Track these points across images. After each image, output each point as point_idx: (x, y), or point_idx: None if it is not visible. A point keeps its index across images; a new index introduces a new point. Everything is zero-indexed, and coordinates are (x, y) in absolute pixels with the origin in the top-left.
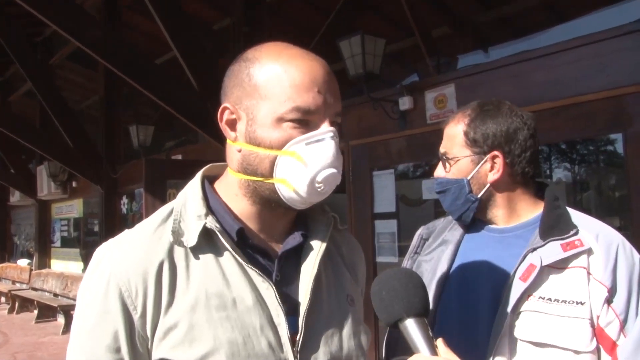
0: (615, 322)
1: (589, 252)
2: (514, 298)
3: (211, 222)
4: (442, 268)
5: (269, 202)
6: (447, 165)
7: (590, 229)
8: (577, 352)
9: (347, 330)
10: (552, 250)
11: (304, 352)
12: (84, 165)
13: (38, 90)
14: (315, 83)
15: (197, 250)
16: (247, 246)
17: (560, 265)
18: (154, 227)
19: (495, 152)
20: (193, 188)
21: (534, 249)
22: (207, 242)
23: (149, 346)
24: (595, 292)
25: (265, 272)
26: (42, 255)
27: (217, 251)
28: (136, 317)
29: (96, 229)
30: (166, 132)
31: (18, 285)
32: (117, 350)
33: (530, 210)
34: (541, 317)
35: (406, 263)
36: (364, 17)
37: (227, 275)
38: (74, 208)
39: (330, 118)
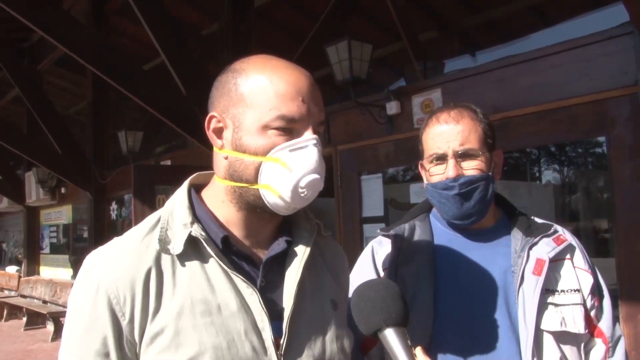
0: (595, 305)
1: (570, 245)
2: (535, 292)
3: (196, 230)
4: (429, 275)
5: (254, 208)
6: (472, 161)
7: (556, 226)
8: (577, 335)
9: (330, 334)
10: (548, 245)
11: (288, 355)
12: (73, 171)
13: (25, 96)
14: (300, 93)
15: (183, 258)
16: (232, 253)
17: (554, 259)
18: (141, 235)
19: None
20: (180, 196)
21: (532, 246)
22: (193, 250)
23: (137, 351)
24: (583, 279)
25: (250, 279)
26: (31, 261)
27: (203, 258)
28: (124, 323)
29: (85, 235)
30: (155, 138)
31: (7, 293)
32: (106, 355)
33: (495, 210)
34: (554, 308)
35: (384, 276)
36: (352, 22)
37: (212, 282)
38: (62, 214)
39: (314, 126)
